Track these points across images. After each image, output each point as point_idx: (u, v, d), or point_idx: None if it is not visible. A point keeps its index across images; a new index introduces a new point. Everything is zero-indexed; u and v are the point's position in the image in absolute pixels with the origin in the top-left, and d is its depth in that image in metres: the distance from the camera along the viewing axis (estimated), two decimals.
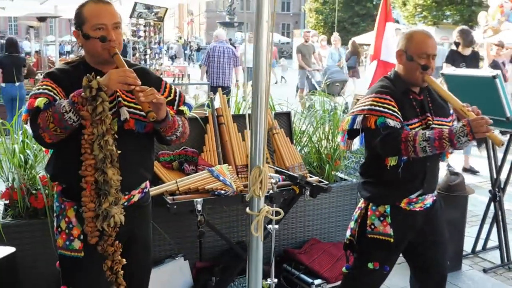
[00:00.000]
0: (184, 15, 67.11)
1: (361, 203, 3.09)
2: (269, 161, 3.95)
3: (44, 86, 2.38)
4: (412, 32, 3.00)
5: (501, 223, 4.66)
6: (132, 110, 2.45)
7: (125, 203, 2.52)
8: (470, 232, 4.83)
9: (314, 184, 3.31)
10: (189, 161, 3.72)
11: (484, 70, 4.95)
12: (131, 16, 9.19)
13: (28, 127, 2.47)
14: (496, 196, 4.62)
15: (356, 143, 3.11)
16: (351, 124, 2.91)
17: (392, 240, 2.91)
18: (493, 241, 4.93)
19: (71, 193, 2.47)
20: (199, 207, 3.19)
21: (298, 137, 4.53)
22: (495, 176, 4.64)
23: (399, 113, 2.80)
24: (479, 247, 4.91)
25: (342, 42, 17.17)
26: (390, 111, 2.79)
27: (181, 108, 2.67)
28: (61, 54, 22.22)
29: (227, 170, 3.47)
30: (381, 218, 2.94)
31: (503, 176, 4.73)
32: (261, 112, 2.05)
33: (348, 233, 3.12)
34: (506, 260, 4.64)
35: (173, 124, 2.48)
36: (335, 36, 15.63)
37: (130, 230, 2.57)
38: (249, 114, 4.10)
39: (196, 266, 3.83)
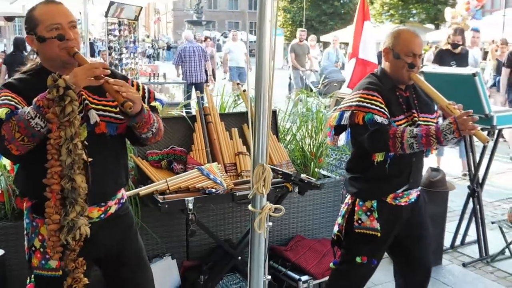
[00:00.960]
0: (151, 14, 66.55)
1: (348, 199, 3.14)
2: None
3: (3, 97, 2.20)
4: (399, 30, 3.05)
5: (479, 218, 4.77)
6: (101, 112, 2.33)
7: (102, 216, 2.42)
8: (448, 227, 4.94)
9: (307, 182, 3.34)
10: (178, 160, 3.71)
11: (464, 68, 5.06)
12: (106, 15, 9.08)
13: None
14: (475, 191, 4.73)
15: (342, 138, 3.15)
16: (339, 120, 2.94)
17: (379, 234, 2.97)
18: (470, 236, 5.05)
19: (42, 208, 2.26)
20: (190, 206, 3.18)
21: (282, 135, 4.56)
22: (473, 172, 4.75)
23: (386, 109, 2.85)
24: (457, 242, 5.03)
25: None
26: (378, 108, 2.84)
27: (153, 104, 2.54)
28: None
29: (217, 168, 3.47)
30: (368, 213, 3.00)
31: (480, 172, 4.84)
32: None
33: (336, 228, 3.16)
34: (484, 254, 4.76)
35: (149, 119, 2.35)
36: (335, 35, 15.71)
37: (111, 246, 2.47)
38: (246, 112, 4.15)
39: (184, 265, 3.83)
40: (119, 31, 9.43)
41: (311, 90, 10.02)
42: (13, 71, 2.74)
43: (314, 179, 3.59)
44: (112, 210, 2.48)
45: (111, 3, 8.85)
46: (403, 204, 3.03)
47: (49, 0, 2.36)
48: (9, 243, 3.31)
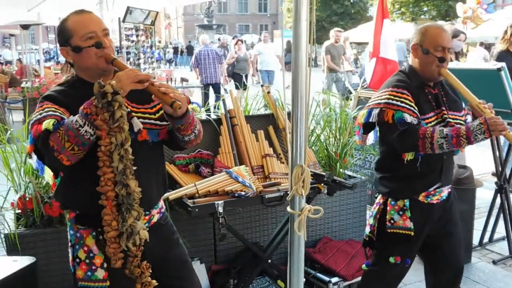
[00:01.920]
0: (161, 19, 66.86)
1: (379, 199, 3.10)
2: (283, 160, 3.95)
3: (46, 109, 2.20)
4: (427, 26, 3.03)
5: (508, 215, 4.71)
6: (141, 120, 2.32)
7: (146, 224, 2.40)
8: (475, 225, 4.88)
9: (340, 183, 3.31)
10: (205, 164, 3.70)
11: (488, 63, 5.00)
12: (124, 21, 9.12)
13: (33, 160, 2.29)
14: (502, 188, 4.68)
15: (371, 138, 3.12)
16: (367, 117, 2.91)
17: (412, 233, 2.94)
18: (498, 233, 4.99)
19: (86, 219, 2.31)
20: (220, 209, 3.17)
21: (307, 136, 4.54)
22: (500, 168, 4.70)
23: (415, 108, 2.82)
24: (485, 239, 4.97)
25: (321, 41, 16.50)
26: (407, 106, 2.80)
27: (189, 106, 2.49)
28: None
29: (245, 171, 3.45)
30: (401, 212, 2.96)
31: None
32: (302, 112, 2.04)
33: (368, 229, 3.13)
34: None
35: (193, 120, 2.35)
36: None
37: (156, 255, 2.45)
38: (289, 113, 4.12)
39: (212, 269, 3.82)
40: (136, 36, 9.48)
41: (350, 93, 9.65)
42: None
43: (343, 180, 3.56)
44: (155, 219, 2.49)
45: (128, 8, 8.88)
46: (435, 202, 3.00)
47: (80, 10, 2.35)
48: (38, 250, 3.33)
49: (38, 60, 15.89)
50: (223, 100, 3.98)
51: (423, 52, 2.92)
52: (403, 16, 32.46)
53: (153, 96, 2.20)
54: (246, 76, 14.48)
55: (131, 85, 2.12)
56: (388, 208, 3.01)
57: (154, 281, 2.32)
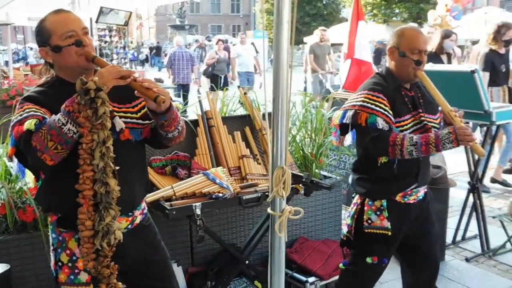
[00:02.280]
0: (133, 19, 66.36)
1: (356, 199, 3.12)
2: (260, 161, 3.95)
3: (27, 110, 2.16)
4: (403, 29, 3.06)
5: (480, 214, 4.79)
6: (123, 119, 2.30)
7: (129, 226, 2.39)
8: (448, 223, 4.94)
9: (318, 183, 3.33)
10: (182, 166, 3.68)
11: (461, 65, 5.09)
12: (97, 21, 9.02)
13: (14, 163, 2.26)
14: (474, 187, 4.76)
15: (348, 139, 3.14)
16: (342, 118, 2.93)
17: (389, 233, 2.97)
18: (471, 231, 5.08)
19: (68, 221, 2.26)
20: (198, 211, 3.15)
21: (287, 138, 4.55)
22: (473, 169, 4.77)
23: (390, 112, 2.85)
24: (458, 237, 5.04)
25: (294, 42, 16.41)
26: (382, 110, 2.83)
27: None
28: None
29: (222, 172, 3.44)
30: (378, 212, 2.99)
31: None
32: (282, 113, 2.04)
33: (345, 229, 3.15)
34: (486, 249, 4.78)
35: (176, 116, 2.34)
36: None
37: (138, 257, 2.43)
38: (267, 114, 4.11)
39: (189, 272, 3.79)
40: (110, 36, 9.39)
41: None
42: None
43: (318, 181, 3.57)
44: (138, 220, 2.47)
45: (101, 9, 8.79)
46: (412, 202, 3.03)
47: (58, 10, 2.31)
48: (12, 257, 3.25)
49: (7, 61, 15.60)
50: (200, 101, 3.96)
51: (399, 54, 2.94)
52: (375, 18, 32.81)
53: (136, 92, 2.18)
54: (226, 77, 14.20)
55: (114, 81, 2.10)
56: (365, 208, 3.03)
57: (120, 283, 2.27)
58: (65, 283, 2.30)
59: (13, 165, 2.29)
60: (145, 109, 2.36)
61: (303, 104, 4.58)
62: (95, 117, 2.04)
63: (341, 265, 3.20)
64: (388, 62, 3.07)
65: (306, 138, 4.56)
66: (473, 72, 4.24)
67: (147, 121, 2.38)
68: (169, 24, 48.18)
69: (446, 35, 6.74)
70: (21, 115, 2.15)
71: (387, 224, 2.97)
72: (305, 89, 13.05)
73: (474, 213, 4.89)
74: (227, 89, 4.43)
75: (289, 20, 1.98)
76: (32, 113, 2.13)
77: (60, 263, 2.32)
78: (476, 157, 4.78)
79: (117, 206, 2.15)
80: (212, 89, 6.32)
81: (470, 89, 4.27)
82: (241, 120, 4.15)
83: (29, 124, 2.08)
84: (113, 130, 2.19)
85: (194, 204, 3.16)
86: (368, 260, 3.01)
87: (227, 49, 17.39)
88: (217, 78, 13.01)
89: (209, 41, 39.49)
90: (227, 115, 4.34)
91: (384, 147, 2.79)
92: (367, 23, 31.54)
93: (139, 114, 2.36)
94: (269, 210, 2.16)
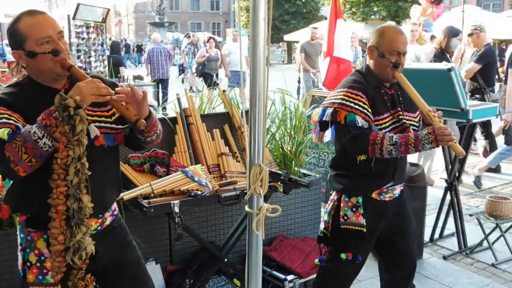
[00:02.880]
0: (112, 16, 65.78)
1: (333, 195, 3.13)
2: (239, 159, 3.94)
3: None
4: (384, 28, 3.05)
5: (457, 212, 4.84)
6: (97, 124, 2.25)
7: (99, 228, 2.37)
8: (426, 221, 4.98)
9: (296, 181, 3.33)
10: (160, 163, 3.65)
11: (439, 63, 5.12)
12: (74, 18, 8.90)
13: None
14: (452, 185, 4.80)
15: (328, 135, 3.15)
16: (321, 115, 2.94)
17: (364, 230, 2.98)
18: (448, 229, 5.13)
19: (37, 222, 2.22)
20: (176, 209, 3.13)
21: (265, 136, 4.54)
22: (450, 167, 4.82)
23: (369, 110, 2.85)
24: (436, 235, 5.09)
25: (273, 40, 16.09)
26: (361, 108, 2.83)
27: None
28: None
29: (201, 170, 3.43)
30: (354, 209, 3.00)
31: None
32: (260, 111, 2.03)
33: (322, 226, 3.16)
34: (463, 247, 4.83)
35: (155, 121, 2.33)
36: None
37: (109, 258, 2.40)
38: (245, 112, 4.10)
39: (167, 270, 3.77)
40: (87, 33, 9.29)
41: None
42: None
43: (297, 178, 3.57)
44: (108, 221, 2.43)
45: (78, 5, 8.69)
46: (387, 199, 3.05)
47: (32, 11, 2.22)
48: None
49: None
50: (178, 99, 3.93)
51: (378, 55, 2.94)
52: (354, 16, 32.95)
53: (115, 110, 2.15)
54: (217, 76, 13.97)
55: (92, 97, 2.07)
56: (342, 204, 3.04)
57: None
58: (34, 284, 2.27)
59: None
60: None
61: (281, 102, 4.56)
62: (72, 134, 2.02)
63: (316, 261, 3.20)
64: (367, 60, 3.08)
65: (286, 136, 4.55)
66: (449, 70, 4.27)
67: (120, 126, 2.34)
68: (148, 21, 47.90)
69: (454, 33, 6.75)
70: None
71: (362, 220, 2.98)
72: (298, 89, 12.95)
73: (451, 211, 4.93)
74: (216, 87, 4.39)
75: (265, 18, 1.96)
76: (4, 120, 2.06)
77: (28, 263, 2.28)
78: (453, 155, 4.83)
79: (88, 223, 2.13)
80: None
81: (447, 87, 4.30)
82: (220, 118, 4.13)
83: (2, 134, 2.02)
84: (87, 137, 2.15)
85: (172, 202, 3.14)
86: (343, 256, 3.02)
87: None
88: (210, 77, 12.86)
89: (188, 37, 39.24)
90: (205, 112, 4.31)
91: (364, 145, 2.80)
92: (346, 21, 31.76)
93: (113, 118, 2.31)
94: (246, 208, 2.16)
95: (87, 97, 2.05)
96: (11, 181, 2.34)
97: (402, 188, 3.16)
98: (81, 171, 2.06)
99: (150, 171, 3.63)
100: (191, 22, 62.77)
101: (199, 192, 3.25)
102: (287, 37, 33.21)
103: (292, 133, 4.53)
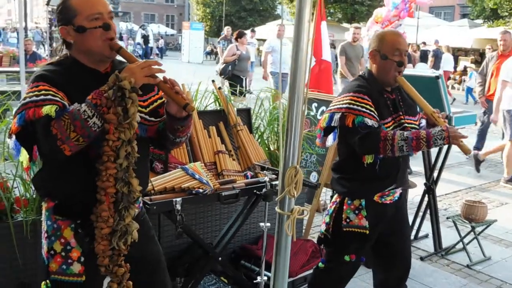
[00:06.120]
0: None
1: (335, 198, 3.18)
2: (234, 158, 3.92)
3: (44, 91, 2.03)
4: (383, 33, 3.17)
5: (434, 214, 4.98)
6: None
7: None
8: None
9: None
10: (158, 159, 3.59)
11: (427, 71, 5.26)
12: (48, 3, 8.63)
13: (12, 141, 2.10)
14: (430, 189, 4.93)
15: (330, 139, 3.20)
16: (329, 121, 2.98)
17: (367, 232, 3.04)
18: (423, 231, 5.27)
19: (66, 210, 2.19)
20: (178, 206, 3.10)
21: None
22: (429, 171, 4.95)
23: (375, 112, 2.91)
24: (411, 237, 5.21)
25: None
26: (368, 111, 2.89)
27: None
28: None
29: (201, 168, 3.39)
30: (356, 212, 3.06)
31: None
32: (298, 114, 2.04)
33: (323, 227, 3.19)
34: (438, 248, 4.97)
35: (191, 123, 2.30)
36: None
37: (133, 250, 2.31)
38: (239, 109, 4.07)
39: None
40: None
41: None
42: None
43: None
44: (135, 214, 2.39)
45: None
46: (388, 202, 3.11)
47: None
48: None
49: None
50: None
51: (381, 58, 3.01)
52: (311, 16, 33.21)
53: (163, 94, 2.13)
54: (246, 80, 11.32)
55: (144, 79, 2.04)
56: (344, 207, 3.08)
57: (130, 282, 2.23)
58: (56, 273, 2.21)
59: (10, 142, 2.13)
60: (154, 105, 2.31)
61: (271, 101, 4.58)
62: (123, 116, 1.98)
63: (320, 263, 3.23)
64: (369, 65, 3.14)
65: (273, 135, 4.57)
66: (437, 77, 4.39)
67: (153, 119, 2.31)
68: None
69: None
70: (37, 96, 2.03)
71: (365, 223, 3.04)
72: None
73: (428, 214, 5.07)
74: (245, 94, 4.34)
75: (308, 19, 1.98)
76: (50, 97, 2.02)
77: (52, 252, 2.22)
78: (433, 159, 4.97)
79: (136, 207, 2.11)
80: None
81: (434, 93, 4.42)
82: (215, 115, 4.10)
83: (50, 110, 1.98)
84: None
85: (174, 199, 3.11)
86: (346, 258, 3.08)
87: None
88: (240, 81, 10.35)
89: (144, 29, 38.77)
90: (199, 109, 4.27)
91: (375, 143, 2.84)
92: None
93: (147, 109, 2.28)
94: (277, 209, 2.16)
95: (139, 78, 2.03)
96: (42, 164, 2.27)
97: (401, 191, 3.23)
98: (131, 154, 2.04)
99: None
100: (145, 13, 61.86)
101: (200, 190, 3.22)
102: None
103: (280, 133, 4.54)
